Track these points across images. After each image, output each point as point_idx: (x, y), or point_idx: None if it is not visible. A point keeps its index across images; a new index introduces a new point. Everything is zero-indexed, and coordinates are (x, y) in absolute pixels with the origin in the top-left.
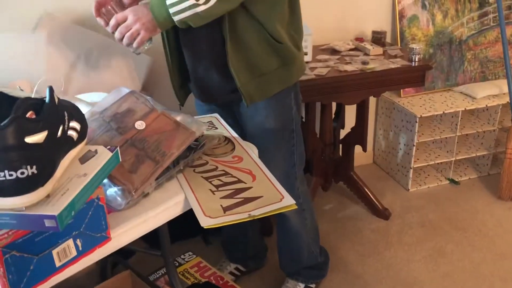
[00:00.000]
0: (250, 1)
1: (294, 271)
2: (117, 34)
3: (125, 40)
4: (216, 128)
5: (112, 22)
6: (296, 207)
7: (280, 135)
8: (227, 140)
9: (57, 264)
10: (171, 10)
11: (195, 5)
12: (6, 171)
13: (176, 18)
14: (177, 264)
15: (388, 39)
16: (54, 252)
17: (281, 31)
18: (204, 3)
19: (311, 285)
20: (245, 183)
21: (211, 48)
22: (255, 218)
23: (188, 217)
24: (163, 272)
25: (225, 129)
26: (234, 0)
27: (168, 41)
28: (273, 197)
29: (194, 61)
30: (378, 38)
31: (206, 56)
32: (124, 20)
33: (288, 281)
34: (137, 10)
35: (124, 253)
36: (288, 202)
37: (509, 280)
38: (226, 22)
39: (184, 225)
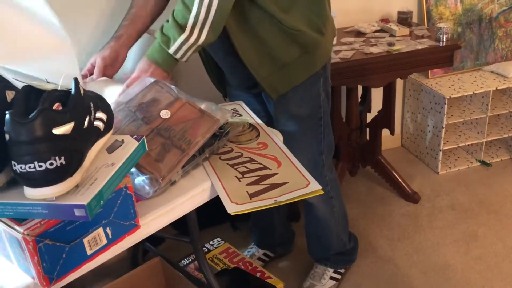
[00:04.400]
0: None
1: (323, 257)
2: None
3: None
4: (241, 115)
5: (124, 88)
6: (322, 192)
7: (307, 122)
8: (252, 127)
9: (89, 252)
10: (177, 57)
11: (195, 43)
12: (35, 162)
13: (185, 59)
14: (206, 250)
15: (415, 19)
16: (85, 240)
17: (295, 18)
18: (198, 36)
19: (340, 270)
20: (271, 169)
21: (229, 51)
22: (281, 204)
23: (216, 204)
24: (192, 259)
25: (250, 116)
26: (223, 23)
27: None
28: (299, 183)
29: (220, 62)
30: (404, 19)
31: (228, 58)
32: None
33: (317, 266)
34: (140, 67)
35: (154, 240)
36: (314, 187)
37: None
38: (229, 26)
39: (213, 212)
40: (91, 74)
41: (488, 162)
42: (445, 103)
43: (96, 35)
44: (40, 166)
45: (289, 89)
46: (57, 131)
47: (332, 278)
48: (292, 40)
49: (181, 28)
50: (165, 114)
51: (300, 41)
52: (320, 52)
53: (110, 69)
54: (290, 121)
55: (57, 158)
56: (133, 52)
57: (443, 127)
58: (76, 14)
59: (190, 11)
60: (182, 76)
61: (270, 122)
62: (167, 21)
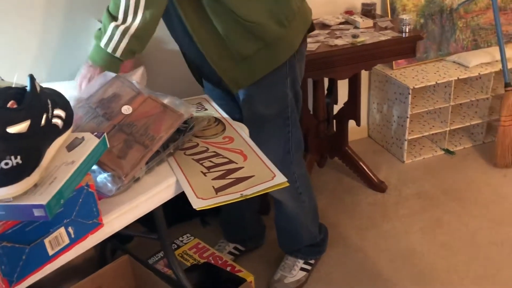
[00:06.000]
0: None
1: (293, 250)
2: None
3: None
4: (206, 109)
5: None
6: (288, 184)
7: (274, 122)
8: (218, 121)
9: (50, 252)
10: (109, 49)
11: (126, 29)
12: None
13: (118, 54)
14: (175, 246)
15: (378, 10)
16: (46, 241)
17: (254, 10)
18: (132, 21)
19: (310, 261)
20: (237, 163)
21: (191, 43)
22: (247, 197)
23: (184, 200)
24: (161, 255)
25: (215, 110)
26: (159, 3)
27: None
28: (264, 176)
29: (186, 53)
30: (368, 10)
31: (193, 50)
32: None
33: (287, 258)
34: (84, 73)
35: (122, 238)
36: (279, 180)
37: (506, 246)
38: (187, 17)
39: (181, 208)
40: None
41: (452, 150)
42: (409, 94)
43: None
44: None
45: (251, 83)
46: (12, 129)
47: (302, 269)
48: (248, 32)
49: (113, 17)
50: (126, 109)
51: (257, 34)
52: (282, 45)
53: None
54: (257, 120)
55: (12, 157)
56: None
57: (407, 117)
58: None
59: None
60: (160, 73)
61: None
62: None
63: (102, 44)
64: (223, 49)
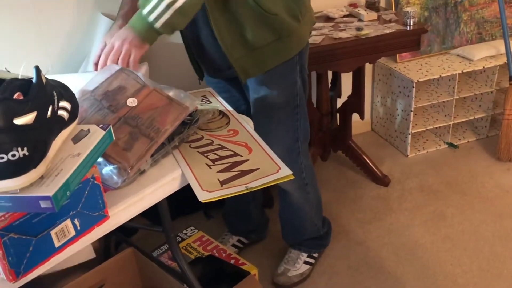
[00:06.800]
0: None
1: (297, 242)
2: (109, 63)
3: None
4: (211, 102)
5: (102, 59)
6: (293, 177)
7: (283, 110)
8: (222, 114)
9: (56, 244)
10: (150, 18)
11: (172, 3)
12: None
13: (158, 25)
14: (179, 239)
15: (382, 3)
16: (53, 232)
17: (275, 3)
18: None
19: (314, 255)
20: (241, 156)
21: (206, 26)
22: (252, 190)
23: (188, 192)
24: (166, 248)
25: (220, 103)
26: None
27: None
28: (269, 169)
29: (194, 38)
30: (372, 3)
31: (204, 34)
32: (112, 49)
33: (291, 251)
34: (120, 33)
35: (127, 231)
36: (285, 173)
37: (510, 239)
38: (208, 1)
39: (185, 201)
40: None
41: (455, 144)
42: (413, 87)
43: None
44: (2, 158)
45: (260, 73)
46: (18, 121)
47: (306, 262)
48: (267, 23)
49: None
50: (132, 102)
51: (275, 26)
52: (295, 39)
53: None
54: (266, 108)
55: (19, 149)
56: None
57: (411, 111)
58: None
59: None
60: (159, 65)
61: (249, 110)
62: None
63: (145, 12)
64: (237, 36)
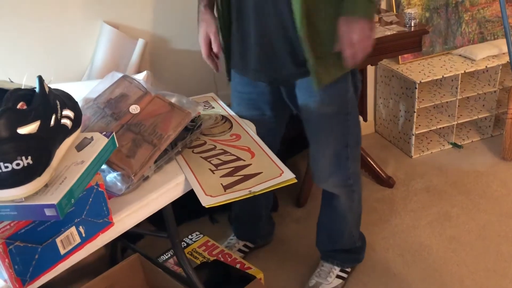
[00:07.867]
0: None
1: (329, 252)
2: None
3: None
4: (213, 108)
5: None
6: (296, 181)
7: (334, 118)
8: (225, 119)
9: (62, 251)
10: None
11: None
12: (1, 164)
13: None
14: (185, 244)
15: (383, 5)
16: (58, 240)
17: None
18: None
19: (347, 269)
20: (244, 160)
21: (280, 14)
22: (256, 194)
23: (193, 198)
24: (171, 253)
25: (222, 108)
26: None
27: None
28: (272, 173)
29: (261, 28)
30: None
31: (273, 22)
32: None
33: (323, 264)
34: (344, 30)
35: (132, 237)
36: (287, 176)
37: None
38: None
39: (190, 206)
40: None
41: (459, 144)
42: (415, 88)
43: None
44: (6, 167)
45: (328, 82)
46: (22, 130)
47: (338, 276)
48: None
49: None
50: (134, 109)
51: None
52: None
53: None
54: (316, 117)
55: (23, 158)
56: (101, 48)
57: (414, 112)
58: None
59: None
60: (163, 71)
61: (281, 115)
62: None
63: None
64: (317, 38)
